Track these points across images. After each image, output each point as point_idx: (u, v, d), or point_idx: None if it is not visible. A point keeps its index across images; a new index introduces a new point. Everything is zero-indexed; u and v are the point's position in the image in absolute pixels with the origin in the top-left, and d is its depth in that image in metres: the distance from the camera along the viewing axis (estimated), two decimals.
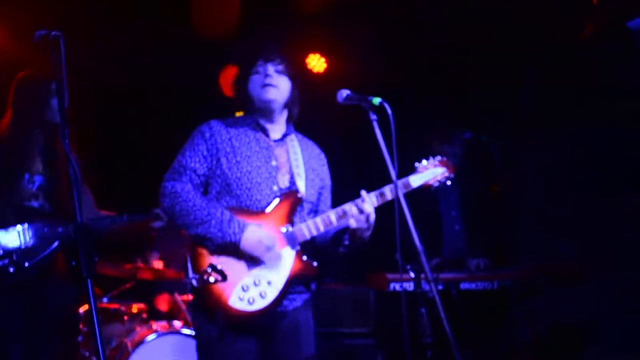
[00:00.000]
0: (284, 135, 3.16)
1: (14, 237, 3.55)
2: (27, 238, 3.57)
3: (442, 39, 5.97)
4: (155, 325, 4.80)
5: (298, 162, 3.10)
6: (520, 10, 5.29)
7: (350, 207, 2.97)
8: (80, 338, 4.68)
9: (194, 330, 3.16)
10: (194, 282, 2.80)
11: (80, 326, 4.66)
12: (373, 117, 2.90)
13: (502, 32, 5.59)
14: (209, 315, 2.86)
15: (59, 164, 3.74)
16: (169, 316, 5.17)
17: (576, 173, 4.95)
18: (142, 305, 5.10)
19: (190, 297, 5.08)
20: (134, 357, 4.57)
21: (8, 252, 3.52)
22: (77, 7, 5.68)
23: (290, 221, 3.01)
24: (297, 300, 3.02)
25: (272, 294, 2.90)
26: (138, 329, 4.88)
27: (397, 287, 4.23)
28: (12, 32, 6.12)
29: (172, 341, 4.69)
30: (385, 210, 3.07)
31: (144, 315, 5.07)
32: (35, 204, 3.69)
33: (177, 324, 4.88)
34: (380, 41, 6.19)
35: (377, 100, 2.88)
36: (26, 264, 3.57)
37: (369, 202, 2.98)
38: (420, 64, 6.20)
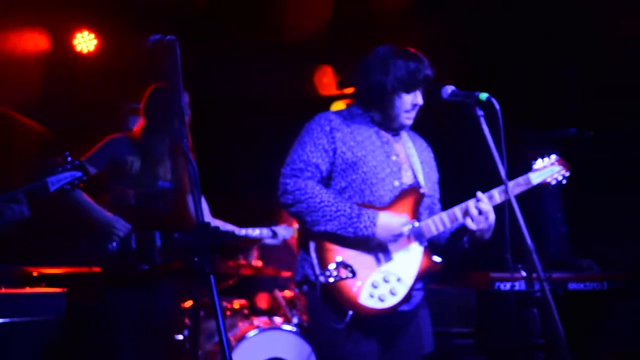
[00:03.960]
0: (399, 130, 3.08)
1: (147, 237, 3.76)
2: (158, 239, 3.77)
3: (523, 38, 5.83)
4: (256, 321, 4.89)
5: (414, 157, 3.04)
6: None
7: (471, 205, 2.88)
8: (186, 332, 4.86)
9: (315, 327, 3.05)
10: (322, 278, 2.72)
11: (186, 321, 4.83)
12: (480, 113, 2.84)
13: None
14: (335, 313, 2.78)
15: (181, 170, 3.95)
16: (269, 312, 5.25)
17: None
18: (243, 301, 5.20)
19: (291, 293, 5.16)
20: (236, 352, 4.66)
21: (142, 251, 3.72)
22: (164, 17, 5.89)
23: (416, 217, 2.94)
24: (417, 297, 2.97)
25: (401, 291, 2.83)
26: (240, 324, 4.99)
27: (503, 286, 4.13)
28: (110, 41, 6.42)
29: (273, 337, 4.77)
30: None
31: (245, 311, 5.16)
32: (157, 206, 3.88)
33: (277, 320, 4.95)
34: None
35: (484, 96, 2.81)
36: (162, 261, 3.79)
37: (486, 201, 2.88)
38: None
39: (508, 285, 4.09)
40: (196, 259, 1.73)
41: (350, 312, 2.73)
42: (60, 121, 6.06)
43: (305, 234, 2.89)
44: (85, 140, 5.95)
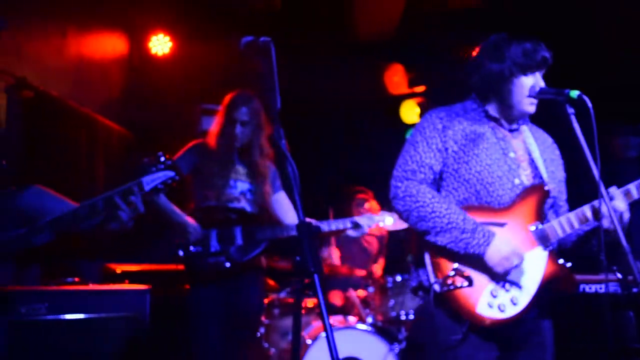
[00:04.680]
0: (518, 125, 2.86)
1: (229, 235, 3.84)
2: (240, 237, 3.85)
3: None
4: (331, 319, 4.91)
5: (536, 154, 2.82)
6: None
7: (602, 205, 2.59)
8: (262, 330, 4.92)
9: (429, 334, 2.81)
10: (436, 287, 2.58)
11: (263, 318, 4.89)
12: (570, 110, 2.68)
13: None
14: (451, 322, 2.62)
15: (259, 170, 4.03)
16: (343, 311, 5.26)
17: None
18: (317, 300, 5.21)
19: (364, 293, 5.16)
20: (311, 350, 4.68)
21: (225, 249, 3.80)
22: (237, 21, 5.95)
23: (539, 218, 2.71)
24: (542, 306, 2.72)
25: (524, 300, 2.62)
26: (314, 323, 5.02)
27: (588, 289, 4.01)
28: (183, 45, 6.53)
29: (347, 336, 4.77)
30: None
31: (319, 310, 5.17)
32: (238, 206, 3.97)
33: (351, 319, 4.96)
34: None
35: (575, 93, 2.63)
36: (243, 259, 3.88)
37: (621, 199, 2.67)
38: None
39: (594, 288, 3.96)
40: (298, 258, 1.73)
41: (468, 323, 2.58)
42: (136, 123, 6.23)
43: (420, 240, 2.72)
44: (160, 142, 6.10)
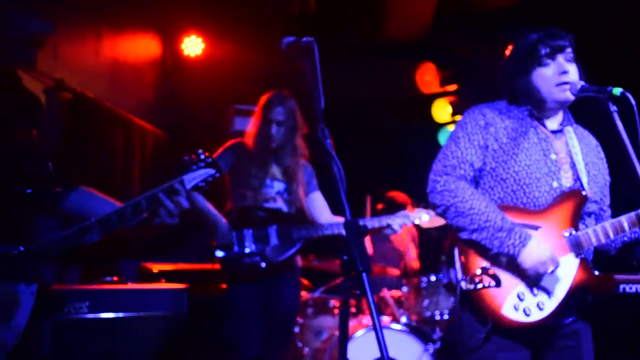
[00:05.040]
0: (562, 126, 2.77)
1: (264, 236, 3.85)
2: (275, 237, 3.86)
3: None
4: (364, 319, 4.90)
5: (578, 157, 2.74)
6: None
7: None
8: (297, 329, 4.93)
9: (458, 331, 2.80)
10: (463, 284, 2.56)
11: (298, 318, 4.90)
12: (613, 108, 2.61)
13: None
14: (476, 320, 2.60)
15: (294, 170, 4.05)
16: (379, 311, 5.24)
17: None
18: (351, 300, 5.22)
19: (398, 293, 5.14)
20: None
21: (260, 250, 3.81)
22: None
23: (574, 224, 2.63)
24: (571, 312, 2.66)
25: (550, 306, 2.57)
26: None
27: (629, 289, 3.94)
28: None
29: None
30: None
31: (353, 310, 5.18)
32: (275, 206, 3.99)
33: (385, 319, 4.94)
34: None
35: (617, 91, 2.56)
36: (279, 259, 3.89)
37: None
38: None
39: (634, 288, 3.90)
40: (345, 257, 1.73)
41: (491, 323, 2.55)
42: (169, 123, 6.29)
43: (452, 237, 2.69)
44: (193, 142, 6.15)
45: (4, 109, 2.06)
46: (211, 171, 2.33)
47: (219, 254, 3.90)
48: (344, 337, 1.76)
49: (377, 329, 1.58)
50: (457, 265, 2.63)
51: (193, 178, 2.30)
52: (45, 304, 2.03)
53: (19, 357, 1.97)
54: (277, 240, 3.90)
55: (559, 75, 2.66)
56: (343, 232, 3.96)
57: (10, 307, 1.89)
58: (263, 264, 3.85)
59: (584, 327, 2.68)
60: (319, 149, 2.09)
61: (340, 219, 4.10)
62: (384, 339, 1.60)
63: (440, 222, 4.15)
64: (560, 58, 2.68)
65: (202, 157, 2.35)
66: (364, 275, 1.67)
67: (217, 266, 4.00)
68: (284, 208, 4.02)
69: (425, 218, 4.19)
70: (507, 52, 2.78)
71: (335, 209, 4.18)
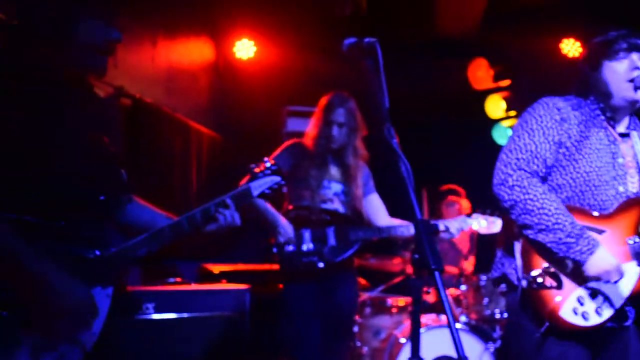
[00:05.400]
0: (628, 130, 2.74)
1: (322, 236, 3.88)
2: (333, 238, 3.89)
3: None
4: (424, 318, 4.88)
5: None
6: None
7: None
8: (356, 328, 4.94)
9: (513, 328, 2.81)
10: (524, 282, 2.54)
11: (356, 317, 4.91)
12: None
13: None
14: (532, 318, 2.59)
15: (353, 172, 4.04)
16: (435, 310, 5.22)
17: None
18: (409, 299, 5.20)
19: (457, 291, 5.10)
20: (405, 349, 4.67)
21: (318, 249, 3.84)
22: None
23: (639, 232, 2.60)
24: (629, 319, 2.66)
25: (608, 312, 2.55)
26: (406, 321, 5.01)
27: None
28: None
29: (441, 335, 4.72)
30: None
31: (411, 308, 5.16)
32: (332, 207, 4.01)
33: (444, 317, 4.91)
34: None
35: None
36: (337, 260, 3.90)
37: None
38: None
39: None
40: (417, 256, 1.73)
41: (547, 324, 2.53)
42: (224, 126, 6.38)
43: (511, 231, 2.66)
44: (247, 144, 6.23)
45: (82, 114, 2.12)
46: (277, 178, 2.37)
47: (278, 251, 3.93)
48: (416, 336, 1.77)
49: (452, 328, 1.58)
50: (518, 262, 2.59)
51: (259, 185, 2.33)
52: (121, 305, 2.08)
53: (96, 358, 2.03)
54: (335, 241, 3.91)
55: (631, 70, 2.61)
56: (401, 234, 4.00)
57: (88, 310, 1.95)
58: (321, 264, 3.86)
59: (633, 330, 2.66)
60: (381, 149, 2.09)
61: (397, 221, 4.10)
62: (459, 337, 1.60)
63: (497, 228, 4.14)
64: (635, 56, 2.63)
65: (268, 164, 2.38)
66: (436, 274, 1.67)
67: (275, 266, 4.03)
68: (341, 209, 4.03)
69: (483, 224, 4.16)
70: (583, 47, 2.76)
71: (392, 211, 4.18)
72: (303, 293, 3.91)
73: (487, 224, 4.18)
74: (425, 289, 1.73)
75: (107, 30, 2.07)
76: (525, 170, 2.57)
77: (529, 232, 2.55)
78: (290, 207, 4.03)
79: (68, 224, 1.96)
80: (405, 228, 4.02)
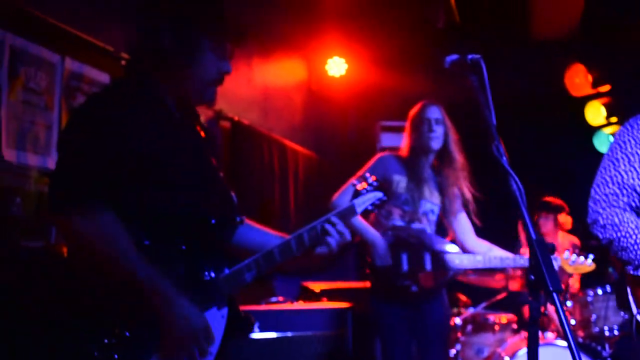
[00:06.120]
0: None
1: (418, 260, 3.80)
2: (429, 263, 3.80)
3: None
4: (523, 335, 4.75)
5: None
6: None
7: None
8: (458, 347, 4.86)
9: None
10: (639, 317, 2.50)
11: (458, 335, 4.83)
12: None
13: None
14: None
15: (449, 189, 3.90)
16: (539, 327, 5.06)
17: None
18: (511, 316, 5.07)
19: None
20: None
21: (413, 273, 3.77)
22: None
23: None
24: None
25: None
26: (509, 339, 4.87)
27: None
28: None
29: (546, 353, 4.57)
30: None
31: (514, 326, 5.03)
32: (420, 227, 3.89)
33: (549, 335, 4.75)
34: None
35: None
36: (430, 285, 3.81)
37: None
38: None
39: None
40: (532, 277, 1.69)
41: None
42: (319, 144, 6.46)
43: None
44: (343, 160, 6.27)
45: (202, 141, 2.20)
46: (379, 194, 2.35)
47: (372, 272, 3.86)
48: (534, 357, 1.72)
49: (573, 349, 1.53)
50: (630, 297, 2.52)
51: (363, 202, 2.32)
52: (235, 326, 2.13)
53: None
54: (431, 266, 3.82)
55: None
56: (510, 266, 3.84)
57: (206, 337, 1.99)
58: (414, 288, 3.76)
59: None
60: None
61: (486, 244, 3.94)
62: (580, 357, 1.54)
63: (587, 269, 4.11)
64: None
65: (370, 180, 2.37)
66: (554, 295, 1.62)
67: (370, 285, 3.96)
68: (428, 229, 3.90)
69: (569, 270, 4.06)
70: None
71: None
72: (393, 312, 3.81)
73: (581, 264, 4.07)
74: (542, 309, 1.68)
75: (224, 64, 2.14)
76: (615, 206, 2.49)
77: (629, 268, 2.50)
78: (378, 225, 3.89)
79: (188, 248, 2.02)
80: (512, 260, 3.88)
